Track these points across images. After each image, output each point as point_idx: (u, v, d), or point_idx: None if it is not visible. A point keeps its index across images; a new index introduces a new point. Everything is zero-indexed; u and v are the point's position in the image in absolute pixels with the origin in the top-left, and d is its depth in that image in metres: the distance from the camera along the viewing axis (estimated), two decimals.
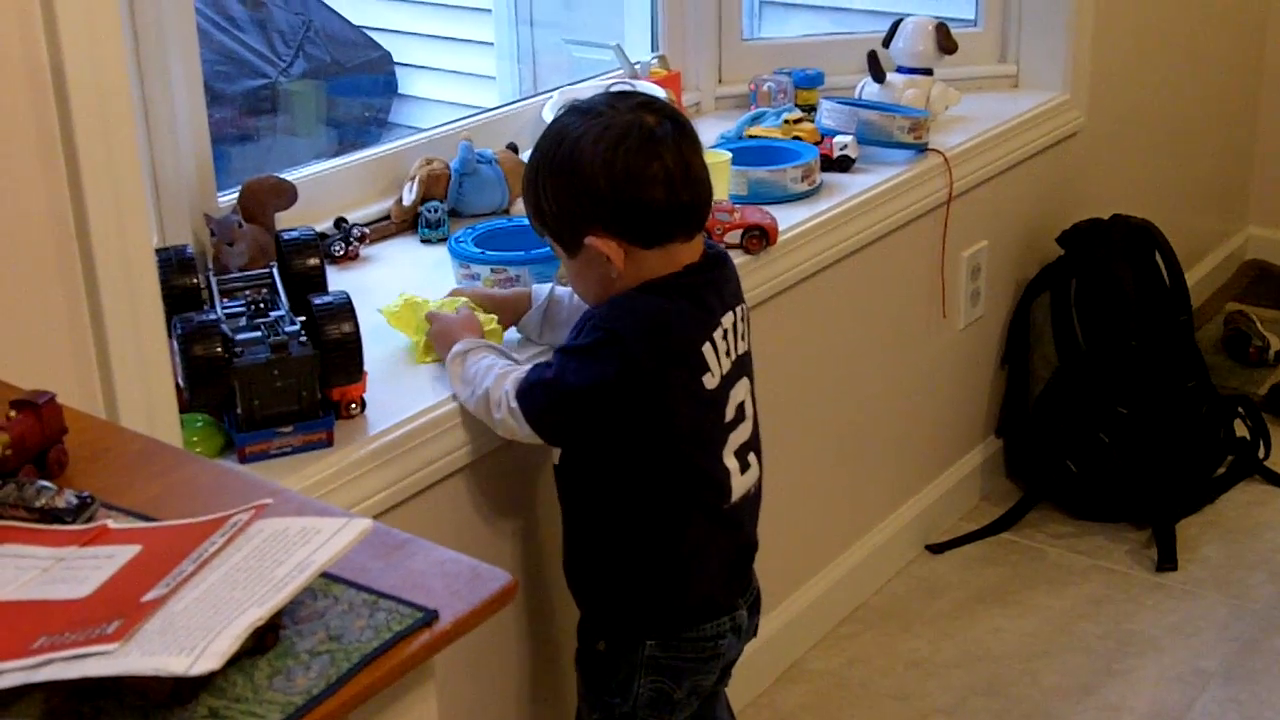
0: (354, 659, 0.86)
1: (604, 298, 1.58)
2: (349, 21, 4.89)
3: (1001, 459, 2.79)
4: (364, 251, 2.02)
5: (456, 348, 1.64)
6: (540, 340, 1.75)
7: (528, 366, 1.59)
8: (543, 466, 1.77)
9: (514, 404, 1.55)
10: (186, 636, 0.79)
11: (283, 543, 0.89)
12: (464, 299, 1.74)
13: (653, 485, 1.58)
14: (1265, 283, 3.60)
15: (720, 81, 2.60)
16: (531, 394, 1.55)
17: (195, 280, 1.60)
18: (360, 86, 4.78)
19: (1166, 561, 2.52)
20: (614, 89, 1.75)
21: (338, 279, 1.88)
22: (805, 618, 2.33)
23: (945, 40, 2.54)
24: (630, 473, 1.58)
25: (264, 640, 0.86)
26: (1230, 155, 3.62)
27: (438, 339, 1.69)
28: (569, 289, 1.72)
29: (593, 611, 1.67)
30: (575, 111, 1.58)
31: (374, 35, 5.02)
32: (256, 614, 0.81)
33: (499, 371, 1.59)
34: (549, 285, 1.78)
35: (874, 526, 2.49)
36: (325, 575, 0.91)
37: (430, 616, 0.89)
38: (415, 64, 5.03)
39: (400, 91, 5.02)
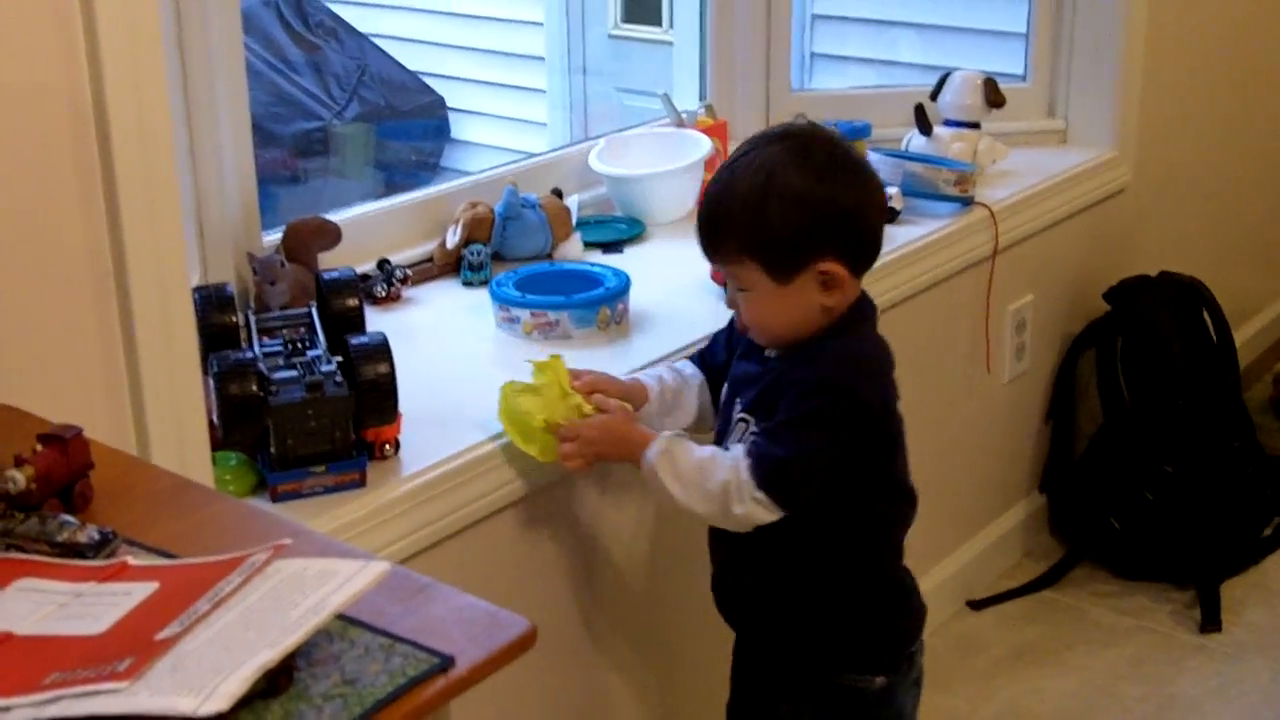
0: (368, 703, 0.85)
1: (804, 330, 1.53)
2: (404, 66, 4.96)
3: (1045, 515, 2.76)
4: (406, 293, 2.03)
5: (656, 446, 1.54)
6: (660, 427, 1.63)
7: (741, 449, 1.51)
8: (581, 510, 1.76)
9: (759, 493, 1.47)
10: (197, 677, 0.79)
11: (299, 584, 0.88)
12: (579, 398, 1.60)
13: (883, 514, 1.61)
14: None
15: None
16: (779, 478, 1.48)
17: (234, 319, 1.61)
18: (413, 131, 4.84)
19: (1210, 623, 2.48)
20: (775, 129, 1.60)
21: (378, 320, 1.89)
22: None
23: (993, 94, 2.53)
24: (865, 506, 1.58)
25: (277, 682, 0.85)
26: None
27: (614, 445, 1.58)
28: (661, 375, 1.69)
29: (802, 661, 1.63)
30: (771, 140, 1.53)
31: (429, 80, 5.09)
32: (268, 656, 0.81)
33: (727, 463, 1.50)
34: (656, 373, 1.70)
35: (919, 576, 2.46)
36: (342, 618, 0.91)
37: (446, 662, 0.88)
38: (469, 109, 5.09)
39: (453, 136, 5.07)
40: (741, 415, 1.57)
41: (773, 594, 1.62)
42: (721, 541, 1.64)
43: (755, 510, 1.49)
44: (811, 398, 1.49)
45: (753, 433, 1.53)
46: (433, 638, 0.90)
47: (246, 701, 0.81)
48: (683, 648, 2.00)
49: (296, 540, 0.96)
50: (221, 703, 0.77)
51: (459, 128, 4.99)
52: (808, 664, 1.62)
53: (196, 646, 0.82)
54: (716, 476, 1.49)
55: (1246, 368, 3.39)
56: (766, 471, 1.47)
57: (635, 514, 1.88)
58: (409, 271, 2.05)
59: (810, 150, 1.51)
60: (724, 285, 1.63)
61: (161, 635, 0.84)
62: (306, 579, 0.89)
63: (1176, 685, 2.34)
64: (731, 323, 1.67)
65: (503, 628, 0.91)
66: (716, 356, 1.71)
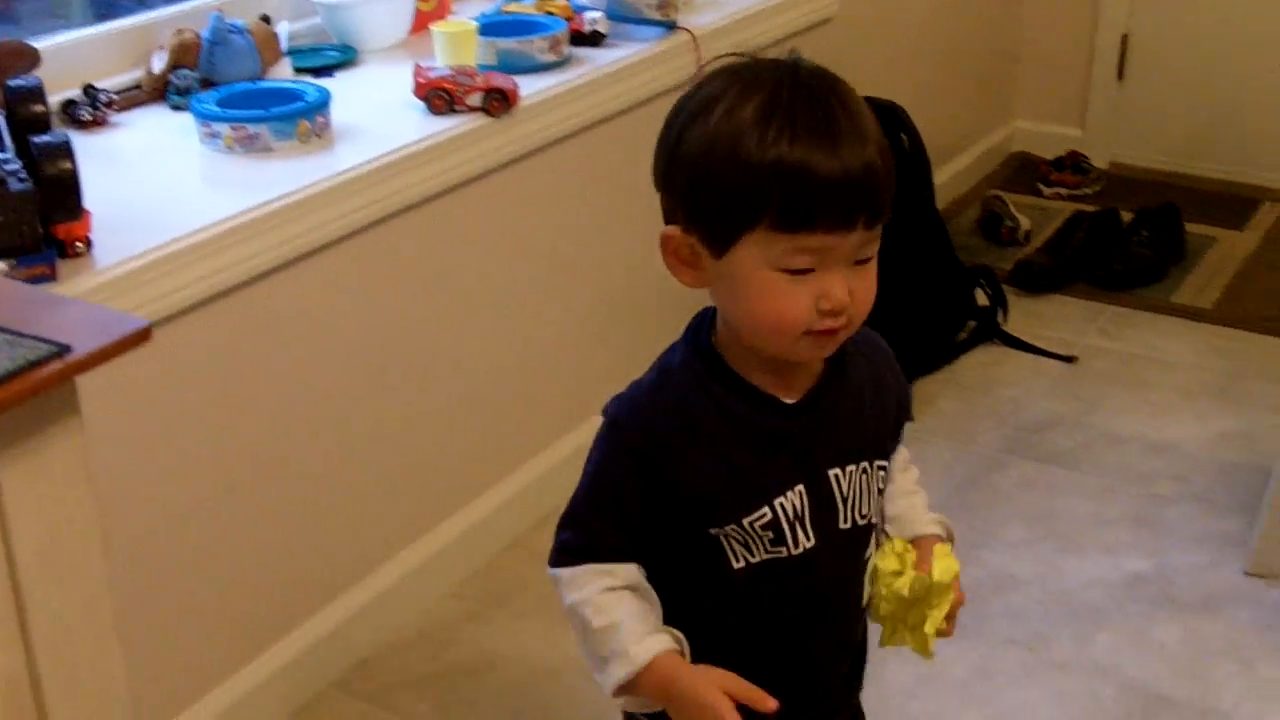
0: None
1: None
2: None
3: None
4: (113, 118, 2.09)
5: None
6: None
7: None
8: (276, 309, 1.88)
9: None
10: None
11: None
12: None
13: None
14: (1025, 171, 3.82)
15: None
16: None
17: None
18: None
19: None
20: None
21: (84, 143, 1.94)
22: (568, 465, 2.47)
23: None
24: None
25: None
26: (996, 52, 3.82)
27: None
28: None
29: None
30: (829, 76, 1.16)
31: None
32: None
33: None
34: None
35: None
36: None
37: (63, 349, 0.99)
38: None
39: None
40: (879, 465, 1.26)
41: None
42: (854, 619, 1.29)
43: None
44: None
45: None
46: (59, 334, 1.02)
47: None
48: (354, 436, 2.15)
49: None
50: None
51: None
52: None
53: None
54: None
55: (960, 195, 3.65)
56: None
57: (325, 319, 2.00)
58: (115, 96, 2.11)
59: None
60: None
61: None
62: None
63: None
64: None
65: (121, 325, 1.03)
66: None
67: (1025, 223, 3.40)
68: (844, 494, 1.21)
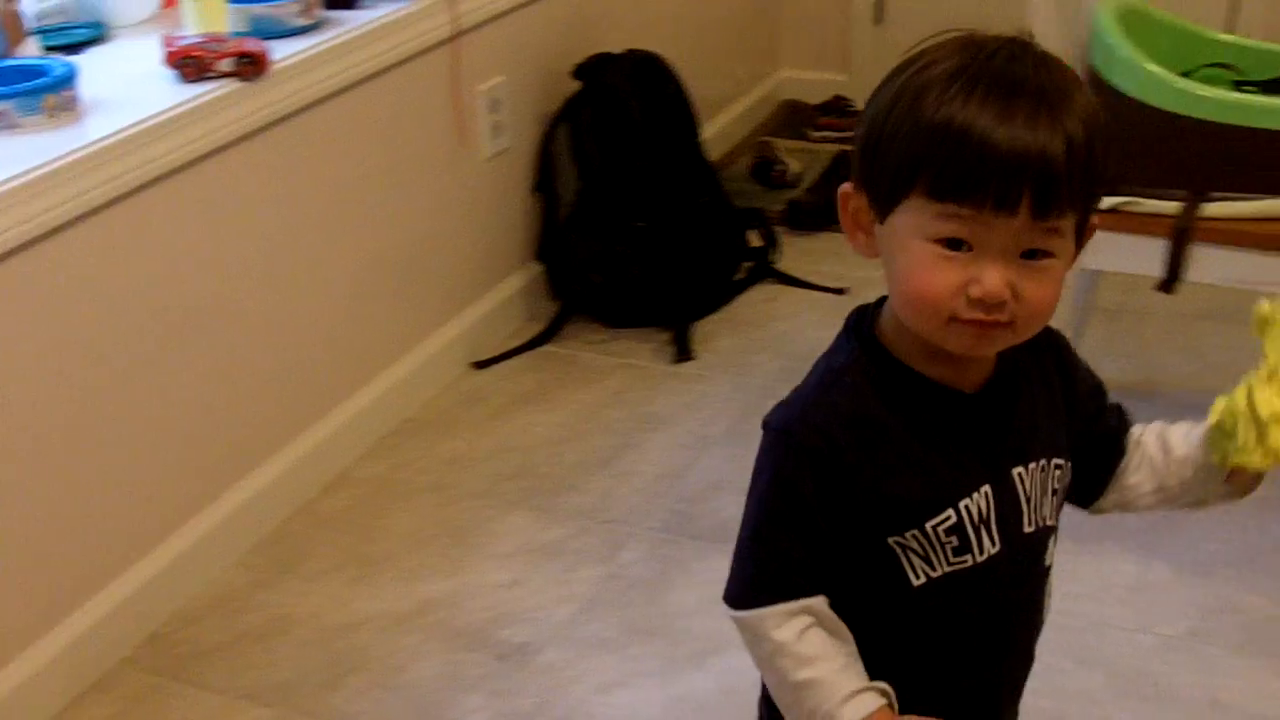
0: None
1: None
2: None
3: (544, 282, 3.00)
4: None
5: None
6: None
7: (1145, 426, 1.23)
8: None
9: None
10: None
11: None
12: None
13: None
14: (794, 117, 3.93)
15: None
16: None
17: None
18: None
19: (683, 354, 2.79)
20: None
21: None
22: (351, 430, 2.49)
23: None
24: None
25: None
26: (759, 6, 3.92)
27: None
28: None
29: None
30: (1039, 52, 1.04)
31: None
32: None
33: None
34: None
35: (415, 346, 2.66)
36: None
37: None
38: None
39: None
40: (1056, 463, 1.15)
41: None
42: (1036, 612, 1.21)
43: None
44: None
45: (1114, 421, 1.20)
46: None
47: None
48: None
49: None
50: None
51: None
52: None
53: None
54: None
55: (735, 144, 3.74)
56: None
57: (91, 290, 1.99)
58: None
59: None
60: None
61: None
62: None
63: (653, 405, 2.65)
64: None
65: None
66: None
67: (795, 166, 3.51)
68: (1027, 494, 1.12)
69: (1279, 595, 2.13)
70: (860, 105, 3.85)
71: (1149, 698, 1.95)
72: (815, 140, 3.77)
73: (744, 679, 1.96)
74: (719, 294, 3.00)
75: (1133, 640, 2.06)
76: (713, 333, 2.89)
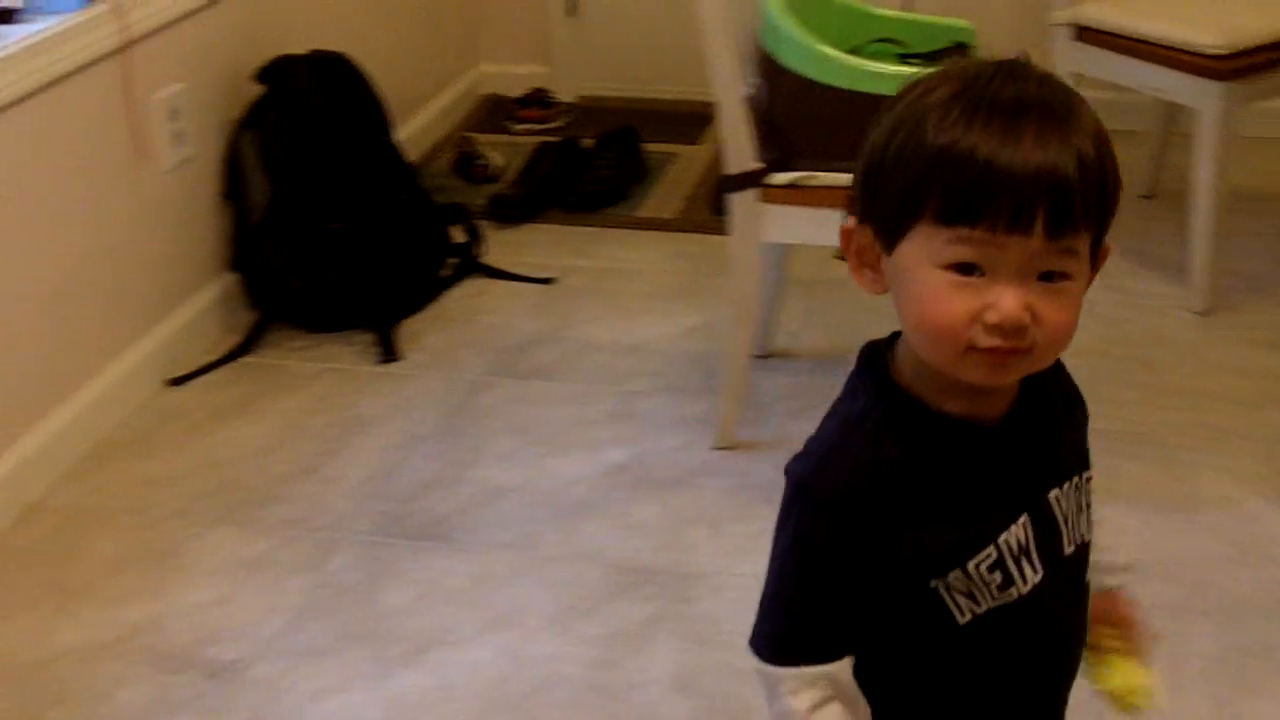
0: None
1: None
2: None
3: (241, 292, 2.92)
4: None
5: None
6: None
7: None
8: None
9: None
10: None
11: None
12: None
13: None
14: (496, 111, 3.94)
15: None
16: None
17: None
18: None
19: (389, 355, 2.77)
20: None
21: None
22: (41, 457, 2.38)
23: None
24: None
25: None
26: (457, 1, 3.92)
27: None
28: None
29: None
30: (1041, 73, 1.02)
31: None
32: None
33: None
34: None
35: (105, 366, 2.56)
36: None
37: None
38: None
39: None
40: (1086, 476, 1.14)
41: None
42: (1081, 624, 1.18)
43: None
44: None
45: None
46: None
47: None
48: None
49: None
50: None
51: None
52: None
53: None
54: None
55: (437, 141, 3.73)
56: None
57: None
58: None
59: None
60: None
61: None
62: None
63: (360, 408, 2.62)
64: None
65: None
66: None
67: (498, 159, 3.52)
68: (1064, 514, 1.09)
69: None
70: (561, 96, 3.90)
71: None
72: (517, 133, 3.78)
73: (460, 673, 1.98)
74: (424, 292, 2.98)
75: None
76: (420, 331, 2.87)
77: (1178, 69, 2.81)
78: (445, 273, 3.06)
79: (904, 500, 1.02)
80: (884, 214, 1.01)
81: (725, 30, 2.29)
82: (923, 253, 0.98)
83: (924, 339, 1.01)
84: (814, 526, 1.04)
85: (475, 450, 2.49)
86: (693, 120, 3.84)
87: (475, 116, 3.94)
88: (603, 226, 3.30)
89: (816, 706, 1.06)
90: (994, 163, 0.94)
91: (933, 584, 1.04)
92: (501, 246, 3.17)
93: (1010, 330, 0.96)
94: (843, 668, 1.07)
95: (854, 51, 2.42)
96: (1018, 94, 0.96)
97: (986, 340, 0.97)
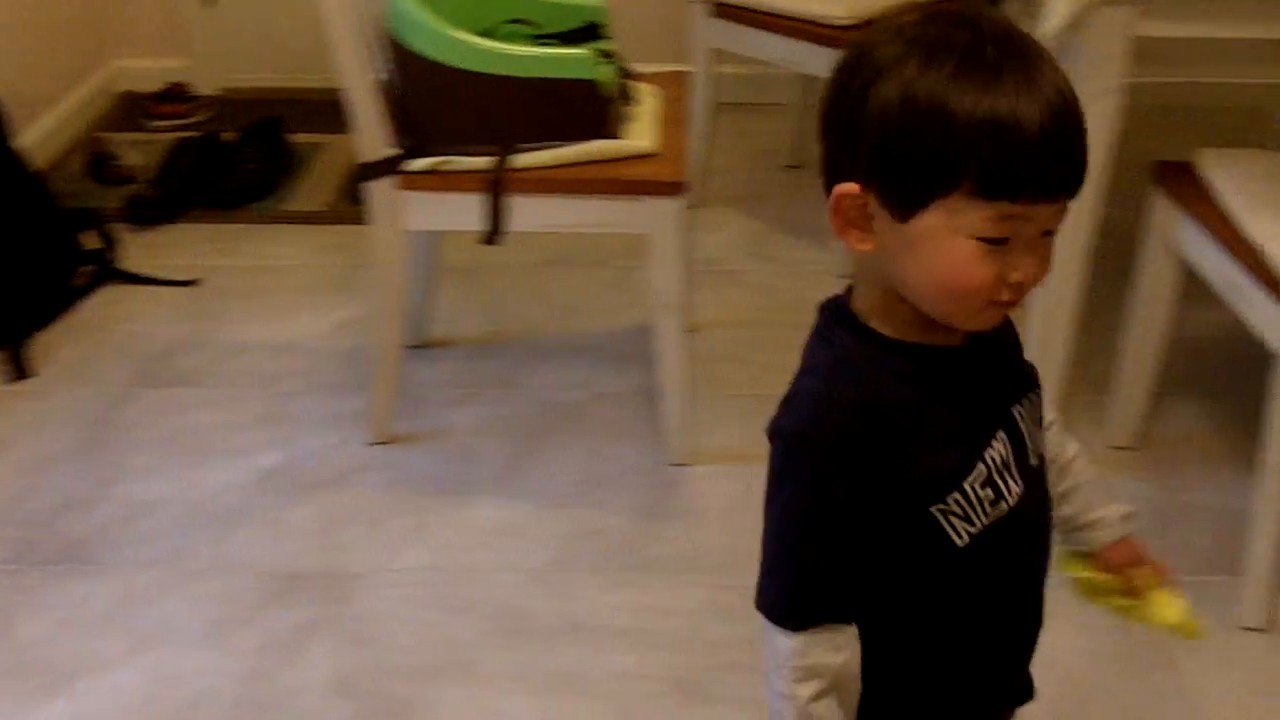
0: None
1: None
2: None
3: None
4: None
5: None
6: None
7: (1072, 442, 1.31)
8: None
9: None
10: None
11: None
12: None
13: None
14: (133, 108, 3.77)
15: None
16: None
17: None
18: None
19: (19, 372, 2.61)
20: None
21: None
22: None
23: None
24: None
25: None
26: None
27: None
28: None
29: None
30: (1003, 28, 1.04)
31: None
32: None
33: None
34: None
35: None
36: None
37: None
38: None
39: None
40: (1036, 392, 1.20)
41: None
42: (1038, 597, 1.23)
43: None
44: None
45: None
46: None
47: None
48: None
49: None
50: None
51: None
52: None
53: None
54: None
55: (68, 143, 3.54)
56: None
57: None
58: None
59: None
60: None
61: None
62: None
63: None
64: None
65: None
66: None
67: (134, 158, 3.37)
68: (1027, 428, 1.15)
69: (634, 513, 2.27)
70: (202, 90, 3.76)
71: (514, 632, 2.03)
72: (155, 130, 3.63)
73: (104, 700, 1.89)
74: (54, 303, 2.83)
75: (498, 580, 2.13)
76: (53, 344, 2.72)
77: (810, 40, 2.91)
78: (79, 281, 2.91)
79: (901, 430, 1.07)
80: (904, 185, 1.02)
81: (347, 15, 2.24)
82: (952, 224, 1.01)
83: (942, 299, 1.05)
84: (820, 474, 1.07)
85: (117, 466, 2.37)
86: (341, 108, 3.76)
87: (109, 115, 3.76)
88: (250, 223, 3.20)
89: (816, 697, 1.10)
90: (1038, 140, 0.97)
91: (933, 510, 1.09)
92: (141, 250, 3.04)
93: (1029, 286, 1.03)
94: (851, 635, 1.11)
95: (486, 34, 2.41)
96: (1025, 64, 0.98)
97: (1006, 296, 1.03)
